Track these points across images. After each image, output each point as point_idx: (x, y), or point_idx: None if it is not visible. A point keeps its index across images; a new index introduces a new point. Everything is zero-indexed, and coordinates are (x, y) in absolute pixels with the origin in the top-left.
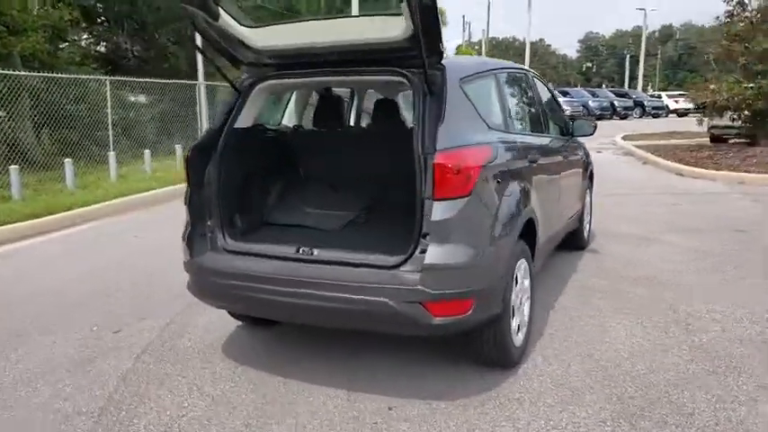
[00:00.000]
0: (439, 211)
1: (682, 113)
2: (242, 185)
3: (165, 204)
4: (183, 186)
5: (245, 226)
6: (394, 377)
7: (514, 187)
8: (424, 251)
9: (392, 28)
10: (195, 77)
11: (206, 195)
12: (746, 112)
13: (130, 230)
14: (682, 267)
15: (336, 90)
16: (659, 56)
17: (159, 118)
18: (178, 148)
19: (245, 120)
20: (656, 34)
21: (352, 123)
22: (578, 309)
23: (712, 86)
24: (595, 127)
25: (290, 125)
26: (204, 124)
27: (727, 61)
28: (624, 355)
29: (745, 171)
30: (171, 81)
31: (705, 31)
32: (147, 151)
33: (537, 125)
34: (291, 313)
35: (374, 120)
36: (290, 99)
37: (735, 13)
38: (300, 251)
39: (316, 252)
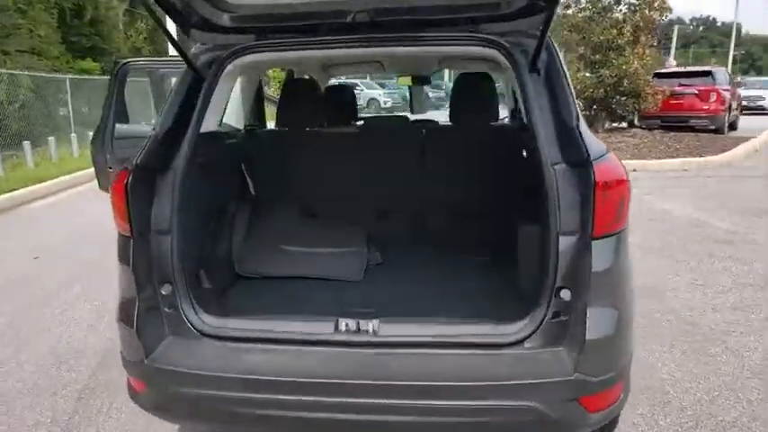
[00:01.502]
0: (602, 254)
1: None
2: (208, 223)
3: None
4: None
5: (216, 286)
6: None
7: None
8: (557, 314)
9: None
10: None
11: (156, 246)
12: (584, 100)
13: None
14: (643, 268)
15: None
16: None
17: None
18: None
19: (210, 119)
20: None
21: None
22: None
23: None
24: None
25: (234, 125)
26: None
27: (568, 51)
28: (703, 396)
29: None
30: None
31: None
32: None
33: None
34: None
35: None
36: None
37: (569, 4)
38: (344, 327)
39: (372, 327)
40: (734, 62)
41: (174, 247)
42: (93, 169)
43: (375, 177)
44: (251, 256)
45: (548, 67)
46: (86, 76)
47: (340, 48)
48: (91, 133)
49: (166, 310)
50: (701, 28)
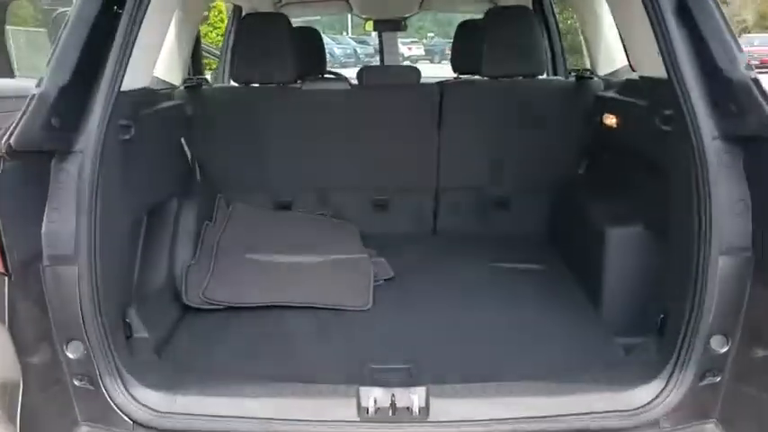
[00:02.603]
0: None
1: (414, 60)
2: (138, 234)
3: None
4: None
5: (156, 333)
6: None
7: None
8: (705, 374)
9: None
10: None
11: (54, 283)
12: None
13: None
14: None
15: None
16: None
17: None
18: None
19: (139, 69)
20: None
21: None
22: None
23: None
24: None
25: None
26: None
27: None
28: None
29: None
30: None
31: None
32: None
33: None
34: None
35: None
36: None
37: None
38: (372, 404)
39: (417, 403)
40: None
41: (84, 283)
42: None
43: (373, 151)
44: (204, 277)
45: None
46: None
47: None
48: None
49: (76, 383)
50: None
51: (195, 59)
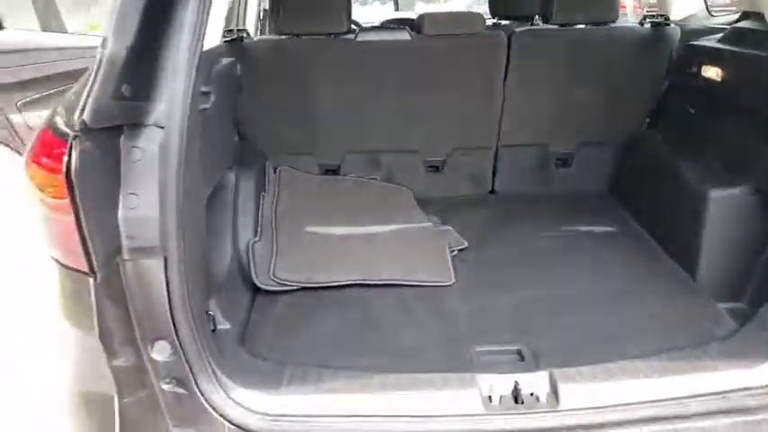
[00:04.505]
0: None
1: None
2: (206, 214)
3: None
4: None
5: (236, 324)
6: None
7: None
8: None
9: None
10: None
11: (136, 279)
12: None
13: None
14: None
15: None
16: None
17: None
18: None
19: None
20: None
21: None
22: None
23: None
24: None
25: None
26: None
27: None
28: None
29: None
30: None
31: None
32: None
33: None
34: None
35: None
36: None
37: None
38: (497, 395)
39: (545, 389)
40: None
41: (173, 276)
42: None
43: (431, 109)
44: (270, 255)
45: None
46: None
47: None
48: None
49: (165, 387)
50: None
51: (240, 5)
